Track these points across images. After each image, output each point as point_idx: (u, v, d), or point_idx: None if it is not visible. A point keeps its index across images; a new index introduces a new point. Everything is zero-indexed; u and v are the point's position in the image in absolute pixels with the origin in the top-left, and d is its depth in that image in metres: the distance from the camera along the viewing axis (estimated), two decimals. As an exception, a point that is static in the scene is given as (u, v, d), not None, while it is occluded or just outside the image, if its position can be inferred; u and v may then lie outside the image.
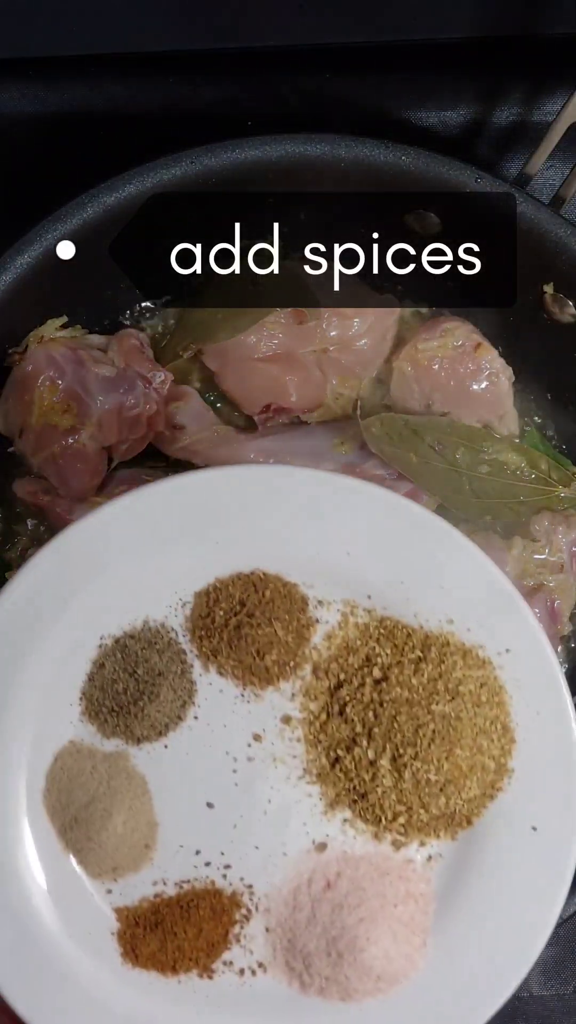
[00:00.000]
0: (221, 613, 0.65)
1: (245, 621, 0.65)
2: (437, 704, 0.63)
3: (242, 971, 0.65)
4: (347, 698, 0.65)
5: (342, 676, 0.65)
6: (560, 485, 0.81)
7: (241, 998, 0.65)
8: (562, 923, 0.72)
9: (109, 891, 0.65)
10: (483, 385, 0.82)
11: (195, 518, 0.65)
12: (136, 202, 0.75)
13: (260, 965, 0.65)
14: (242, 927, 0.65)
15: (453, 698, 0.63)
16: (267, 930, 0.65)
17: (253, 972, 0.65)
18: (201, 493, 0.65)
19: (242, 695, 0.66)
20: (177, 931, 0.64)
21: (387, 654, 0.65)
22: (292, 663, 0.66)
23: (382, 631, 0.66)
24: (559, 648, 0.83)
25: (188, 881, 0.65)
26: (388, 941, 0.63)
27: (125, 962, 0.65)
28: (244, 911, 0.65)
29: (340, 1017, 0.64)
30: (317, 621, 0.66)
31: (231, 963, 0.65)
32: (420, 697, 0.64)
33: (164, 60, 0.90)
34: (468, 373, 0.82)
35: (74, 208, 0.75)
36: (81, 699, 0.66)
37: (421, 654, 0.65)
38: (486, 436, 0.80)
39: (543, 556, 0.80)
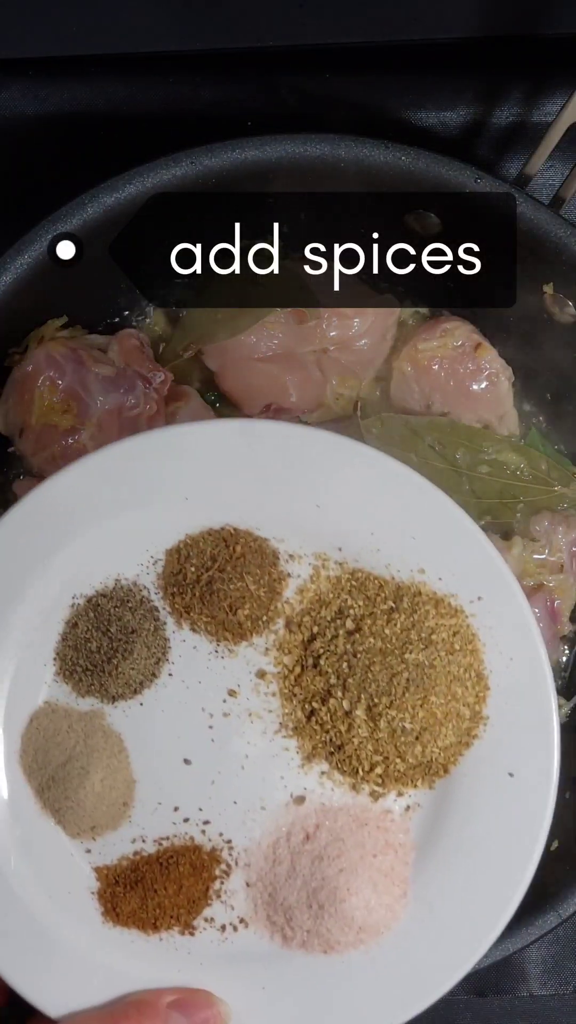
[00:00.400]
0: (192, 569, 0.65)
1: (217, 576, 0.65)
2: (410, 653, 0.63)
3: (223, 927, 0.65)
4: (320, 650, 0.65)
5: (315, 629, 0.65)
6: (560, 485, 0.81)
7: (223, 954, 0.64)
8: (562, 922, 0.72)
9: (88, 850, 0.65)
10: (483, 385, 0.82)
11: (163, 475, 0.65)
12: (136, 202, 0.75)
13: (241, 920, 0.65)
14: (222, 883, 0.65)
15: (426, 647, 0.63)
16: (247, 885, 0.65)
17: (235, 928, 0.65)
18: (168, 449, 0.65)
19: (216, 651, 0.66)
20: (157, 888, 0.64)
21: (359, 606, 0.65)
22: (265, 617, 0.65)
23: (354, 583, 0.65)
24: (560, 648, 0.83)
25: (167, 838, 0.65)
26: (368, 891, 0.63)
27: (106, 921, 0.65)
28: (224, 866, 0.65)
29: (323, 970, 0.64)
30: (289, 575, 0.66)
31: (212, 919, 0.65)
32: (393, 647, 0.63)
33: (164, 60, 0.90)
34: (468, 373, 0.82)
35: (74, 208, 0.75)
36: (55, 659, 0.66)
37: (393, 604, 0.64)
38: (486, 436, 0.81)
39: (543, 556, 0.80)
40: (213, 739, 0.65)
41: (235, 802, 0.65)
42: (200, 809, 0.65)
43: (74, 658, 0.65)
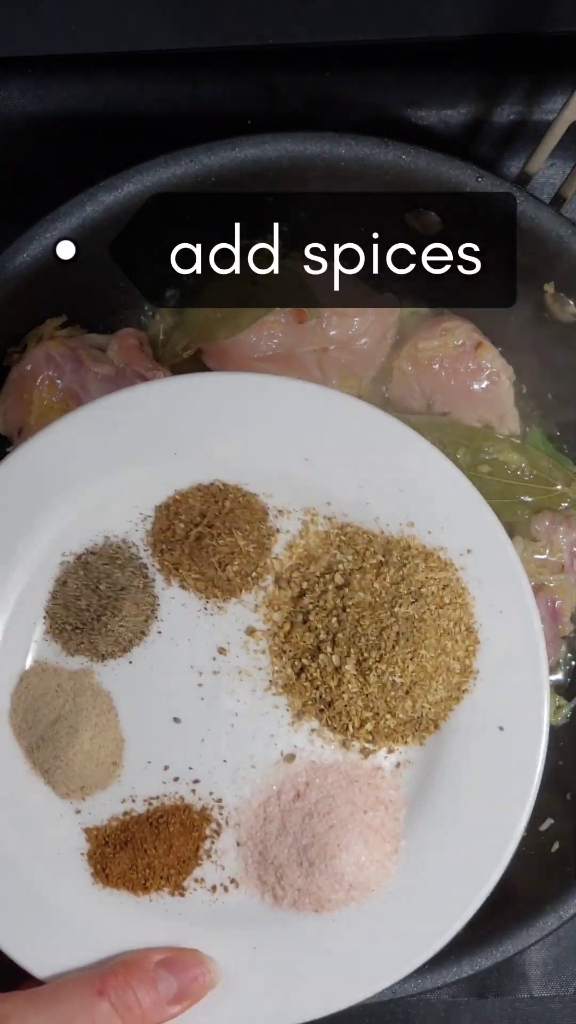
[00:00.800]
0: (181, 526, 0.65)
1: (206, 532, 0.65)
2: (400, 607, 0.63)
3: (214, 887, 0.65)
4: (310, 606, 0.65)
5: (304, 585, 0.65)
6: (561, 485, 0.81)
7: (214, 914, 0.64)
8: (562, 924, 0.72)
9: (78, 811, 0.65)
10: (484, 384, 0.82)
11: (151, 430, 0.65)
12: (136, 202, 0.75)
13: (232, 881, 0.65)
14: (213, 842, 0.65)
15: (416, 600, 0.63)
16: (238, 844, 0.65)
17: (225, 888, 0.65)
18: (156, 404, 0.65)
19: (205, 608, 0.66)
20: (147, 848, 0.64)
21: (348, 560, 0.65)
22: (254, 573, 0.66)
23: (343, 538, 0.66)
24: (561, 648, 0.83)
25: (157, 797, 0.65)
26: (359, 847, 0.63)
27: (96, 882, 0.65)
28: (214, 826, 0.65)
29: (314, 928, 0.64)
30: (278, 531, 0.66)
31: (203, 880, 0.65)
32: (383, 600, 0.64)
33: (164, 59, 0.89)
34: (469, 372, 0.81)
35: (74, 207, 0.75)
36: (45, 618, 0.66)
37: (383, 559, 0.65)
38: (487, 436, 0.80)
39: (544, 556, 0.80)
40: (203, 697, 0.65)
41: (225, 760, 0.65)
42: (190, 768, 0.65)
43: (64, 616, 0.65)
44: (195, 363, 0.83)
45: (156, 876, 0.64)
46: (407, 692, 0.63)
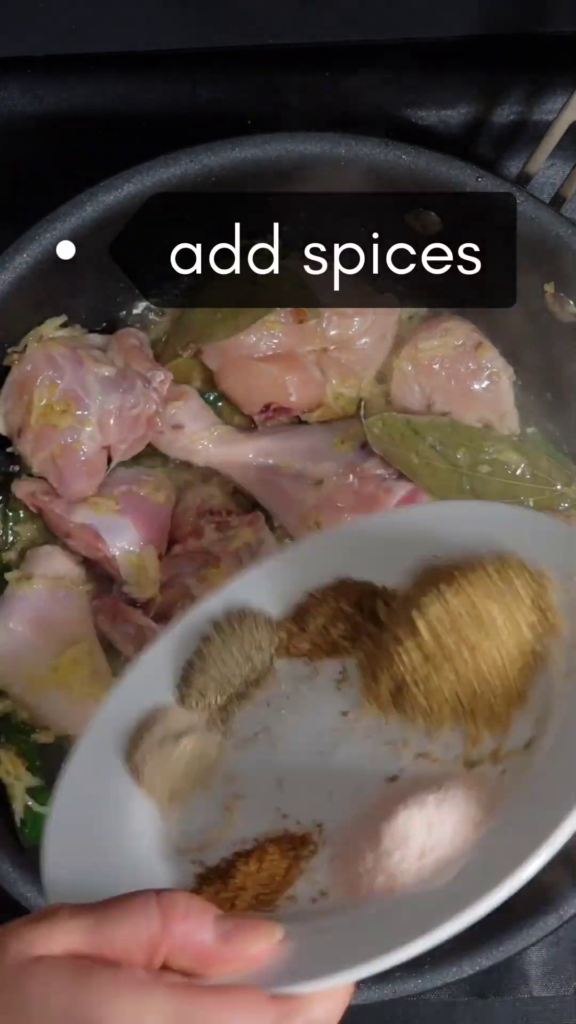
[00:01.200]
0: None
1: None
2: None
3: (303, 900, 0.62)
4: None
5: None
6: (561, 485, 0.81)
7: (295, 917, 0.61)
8: (563, 924, 0.72)
9: (193, 862, 0.63)
10: (484, 384, 0.82)
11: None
12: (136, 202, 0.75)
13: (322, 893, 0.61)
14: (308, 861, 0.63)
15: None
16: (331, 859, 0.61)
17: (314, 900, 0.61)
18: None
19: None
20: (240, 866, 0.62)
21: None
22: None
23: None
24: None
25: (264, 832, 0.64)
26: (432, 810, 0.58)
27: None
28: (312, 847, 0.63)
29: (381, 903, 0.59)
30: None
31: (294, 897, 0.61)
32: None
33: (164, 58, 0.89)
34: (469, 372, 0.81)
35: (74, 207, 0.75)
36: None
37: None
38: (487, 436, 0.80)
39: (544, 556, 0.80)
40: (321, 751, 0.65)
41: (331, 792, 0.64)
42: (302, 809, 0.64)
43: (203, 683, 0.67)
44: (195, 363, 0.83)
45: (245, 898, 0.61)
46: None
